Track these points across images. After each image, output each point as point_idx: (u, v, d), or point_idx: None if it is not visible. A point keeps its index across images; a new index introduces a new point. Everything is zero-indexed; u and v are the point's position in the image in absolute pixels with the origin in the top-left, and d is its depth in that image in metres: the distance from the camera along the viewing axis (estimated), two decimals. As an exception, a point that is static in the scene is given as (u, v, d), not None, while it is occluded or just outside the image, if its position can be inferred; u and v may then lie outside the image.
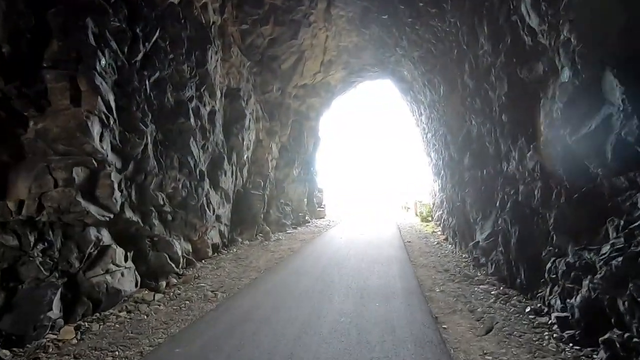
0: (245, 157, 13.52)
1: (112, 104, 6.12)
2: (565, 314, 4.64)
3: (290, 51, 15.11)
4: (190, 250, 9.21)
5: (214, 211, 10.15)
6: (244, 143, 13.12)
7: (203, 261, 9.73)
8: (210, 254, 10.31)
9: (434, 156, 16.91)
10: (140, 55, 6.94)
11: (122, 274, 6.35)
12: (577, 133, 4.16)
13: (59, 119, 5.28)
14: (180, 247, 8.50)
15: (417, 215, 23.14)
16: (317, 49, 16.80)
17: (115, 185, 6.18)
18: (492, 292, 6.60)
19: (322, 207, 23.90)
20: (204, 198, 9.43)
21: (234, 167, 12.45)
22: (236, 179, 13.16)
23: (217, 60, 10.53)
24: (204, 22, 9.71)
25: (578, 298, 4.33)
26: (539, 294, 5.73)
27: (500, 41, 6.33)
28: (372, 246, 12.00)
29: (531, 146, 5.52)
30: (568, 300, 4.58)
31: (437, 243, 12.60)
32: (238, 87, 12.58)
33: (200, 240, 9.62)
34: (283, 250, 11.72)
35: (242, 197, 13.85)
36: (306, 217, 20.10)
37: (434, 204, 19.57)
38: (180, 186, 8.37)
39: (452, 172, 11.58)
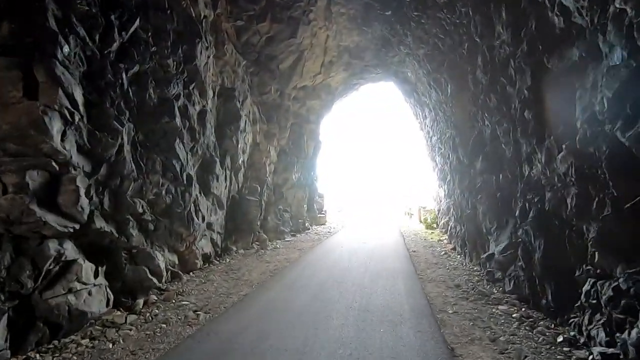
0: (240, 160, 12.72)
1: (79, 99, 5.32)
2: (613, 350, 3.77)
3: (288, 50, 14.37)
4: (176, 262, 8.37)
5: (203, 219, 9.32)
6: (239, 146, 12.33)
7: (191, 273, 8.90)
8: (199, 265, 9.47)
9: (440, 160, 16.07)
10: (115, 46, 6.17)
11: (90, 293, 5.52)
12: (632, 127, 3.32)
13: (8, 114, 4.48)
14: (163, 259, 7.67)
15: (421, 221, 22.25)
16: (317, 49, 16.07)
17: (82, 191, 5.37)
18: (514, 315, 5.72)
19: (323, 213, 23.05)
20: (192, 205, 8.61)
21: (227, 172, 11.64)
22: (230, 184, 12.35)
23: (209, 57, 9.76)
24: (193, 15, 8.95)
25: (633, 333, 3.46)
26: (573, 320, 4.85)
27: (521, 27, 5.52)
28: (375, 256, 11.13)
29: (563, 146, 4.68)
30: (618, 334, 3.70)
31: (445, 253, 11.71)
32: (233, 87, 11.81)
33: (188, 250, 8.79)
34: (279, 260, 10.86)
35: (237, 204, 13.03)
36: (306, 224, 19.24)
37: (439, 210, 18.70)
38: (163, 192, 7.55)
39: (461, 176, 10.73)
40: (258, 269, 9.67)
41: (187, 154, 8.54)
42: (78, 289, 5.30)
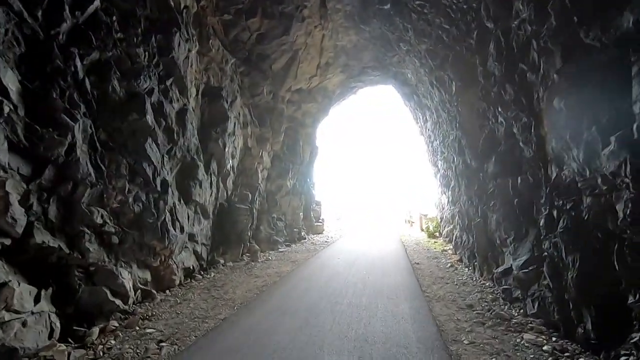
0: (229, 166, 11.71)
1: (12, 86, 4.34)
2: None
3: (281, 49, 13.47)
4: (149, 279, 7.31)
5: (182, 229, 8.28)
6: (227, 150, 11.34)
7: (167, 291, 7.84)
8: (179, 281, 8.41)
9: (442, 165, 15.08)
10: (65, 27, 5.20)
11: (24, 324, 4.46)
12: None
13: None
14: (130, 276, 6.62)
15: (422, 230, 21.18)
16: (313, 50, 15.19)
17: (14, 198, 4.35)
18: (545, 348, 4.66)
19: (320, 222, 21.98)
20: (168, 214, 7.57)
21: (213, 178, 10.63)
22: (218, 191, 11.33)
23: (190, 52, 8.81)
24: (172, 4, 8.03)
25: None
26: (623, 359, 3.80)
27: None
28: (375, 270, 10.06)
29: (611, 138, 3.68)
30: None
31: (451, 265, 10.64)
32: (220, 86, 10.86)
33: (164, 265, 7.73)
34: (269, 275, 9.79)
35: (225, 212, 11.99)
36: (302, 233, 18.17)
37: (442, 218, 17.66)
38: (131, 199, 6.52)
39: (468, 181, 9.72)
40: (244, 285, 8.60)
41: (162, 156, 7.53)
42: (6, 319, 4.24)
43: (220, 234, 11.65)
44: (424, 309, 6.49)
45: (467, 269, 10.02)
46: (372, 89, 22.96)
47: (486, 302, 6.85)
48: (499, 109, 6.65)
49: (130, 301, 6.54)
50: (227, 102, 11.08)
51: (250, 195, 13.27)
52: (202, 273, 9.92)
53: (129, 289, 6.42)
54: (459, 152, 10.22)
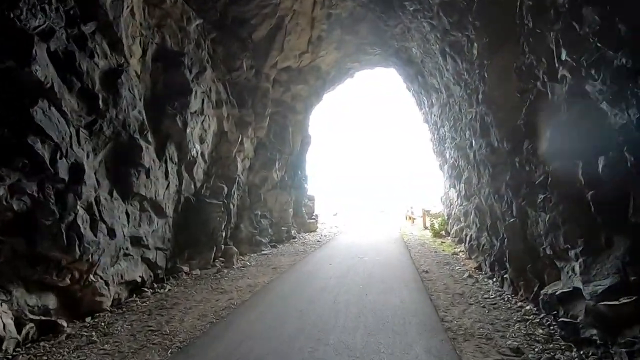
0: (195, 151, 9.43)
1: None
2: None
3: (263, 13, 11.14)
4: (52, 307, 5.07)
5: (113, 232, 6.01)
6: (192, 132, 9.06)
7: (89, 319, 5.62)
8: (111, 302, 6.18)
9: (452, 154, 12.83)
10: None
11: None
12: None
13: None
14: (11, 307, 4.37)
15: (425, 228, 18.98)
16: (302, 19, 12.86)
17: None
18: None
19: (314, 219, 19.75)
20: (82, 212, 5.31)
21: (171, 165, 8.36)
22: (180, 182, 9.07)
23: (129, -5, 6.51)
24: None
25: None
26: None
27: None
28: (374, 282, 7.84)
29: None
30: None
31: (469, 276, 8.41)
32: (181, 51, 8.55)
33: (81, 284, 5.48)
34: (240, 289, 7.58)
35: (193, 209, 9.74)
36: (292, 232, 15.93)
37: (449, 215, 15.44)
38: (7, 194, 4.26)
39: (494, 170, 7.47)
40: (201, 306, 6.38)
41: (74, 131, 5.25)
42: None
43: (185, 235, 9.41)
44: (448, 355, 4.26)
45: (490, 280, 7.80)
46: (371, 73, 20.69)
47: (538, 341, 4.62)
48: (564, 56, 4.38)
49: (11, 344, 4.30)
50: (190, 72, 8.77)
51: (225, 188, 11.01)
52: (156, 286, 7.72)
53: (3, 327, 4.18)
54: (482, 134, 7.95)
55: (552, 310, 5.12)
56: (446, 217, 15.83)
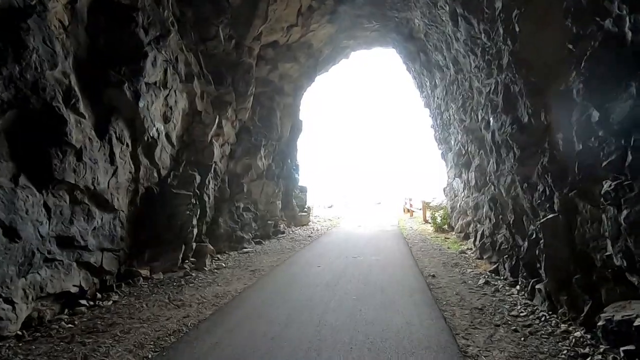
0: (155, 131, 7.76)
1: None
2: None
3: (241, -29, 9.39)
4: None
5: (15, 233, 4.38)
6: (150, 107, 7.38)
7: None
8: (18, 326, 4.60)
9: (460, 139, 11.27)
10: None
11: None
12: None
13: None
14: None
15: (426, 221, 17.48)
16: (290, -16, 11.11)
17: None
18: None
19: (306, 211, 18.17)
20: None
21: (122, 147, 6.70)
22: (137, 169, 7.42)
23: None
24: None
25: None
26: None
27: None
28: (371, 291, 6.28)
29: None
30: None
31: (485, 282, 6.85)
32: (132, 4, 6.81)
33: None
34: (203, 300, 6.01)
35: (156, 201, 8.11)
36: (280, 226, 14.37)
37: (453, 207, 13.93)
38: None
39: (524, 153, 5.88)
40: (144, 328, 4.81)
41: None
42: None
43: (146, 232, 7.80)
44: None
45: (513, 289, 6.27)
46: (368, 54, 19.02)
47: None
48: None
49: None
50: (145, 33, 7.05)
51: (199, 177, 9.37)
52: (100, 297, 6.13)
53: None
54: (505, 109, 6.34)
55: (621, 344, 3.59)
56: (449, 210, 14.31)
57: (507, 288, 6.41)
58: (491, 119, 7.24)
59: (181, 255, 8.42)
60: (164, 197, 8.33)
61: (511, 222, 6.68)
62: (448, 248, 10.84)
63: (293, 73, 14.38)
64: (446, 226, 14.33)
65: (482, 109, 8.11)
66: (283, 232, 14.11)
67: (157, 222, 8.08)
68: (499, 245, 7.72)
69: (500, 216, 7.58)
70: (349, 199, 36.74)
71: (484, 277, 7.19)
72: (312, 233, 14.99)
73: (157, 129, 7.73)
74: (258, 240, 12.07)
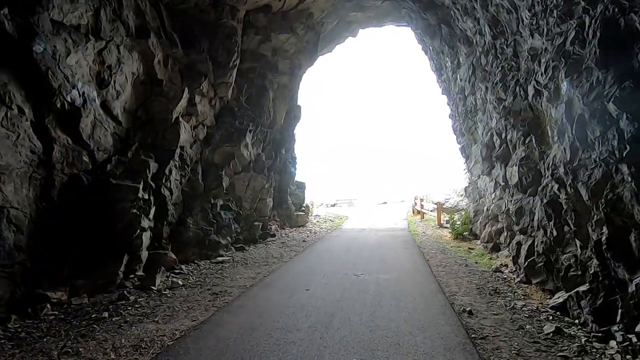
0: (77, 98, 5.45)
1: None
2: None
3: None
4: None
5: None
6: (61, 59, 5.07)
7: None
8: None
9: (494, 126, 8.82)
10: None
11: None
12: None
13: None
14: None
15: (440, 225, 15.03)
16: None
17: None
18: None
19: (303, 211, 15.83)
20: None
21: (8, 113, 4.40)
22: (48, 148, 5.12)
23: None
24: None
25: None
26: None
27: None
28: (380, 344, 3.91)
29: None
30: None
31: (553, 328, 4.43)
32: None
33: None
34: (114, 356, 3.70)
35: (87, 195, 5.82)
36: (270, 228, 12.06)
37: (477, 211, 11.49)
38: None
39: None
40: None
41: None
42: None
43: (69, 239, 5.52)
44: None
45: (609, 347, 3.86)
46: (378, 33, 16.63)
47: None
48: None
49: None
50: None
51: (154, 166, 7.07)
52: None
53: None
54: (602, 59, 3.92)
55: None
56: (472, 214, 11.86)
57: (595, 345, 4.00)
58: (565, 84, 4.80)
59: (122, 269, 6.14)
60: (100, 190, 6.03)
61: (602, 239, 4.25)
62: (476, 263, 8.42)
63: (289, 47, 12.01)
64: (467, 233, 11.88)
65: (541, 75, 5.67)
66: (273, 236, 11.79)
67: (86, 224, 5.80)
68: (565, 269, 5.30)
69: (571, 228, 5.15)
70: (354, 196, 34.34)
71: (547, 318, 4.80)
72: (308, 236, 12.66)
73: (82, 94, 5.41)
74: (240, 245, 9.76)
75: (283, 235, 12.70)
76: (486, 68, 9.11)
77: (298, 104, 14.22)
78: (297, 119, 14.21)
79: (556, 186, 5.49)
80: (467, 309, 5.16)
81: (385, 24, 14.73)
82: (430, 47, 13.61)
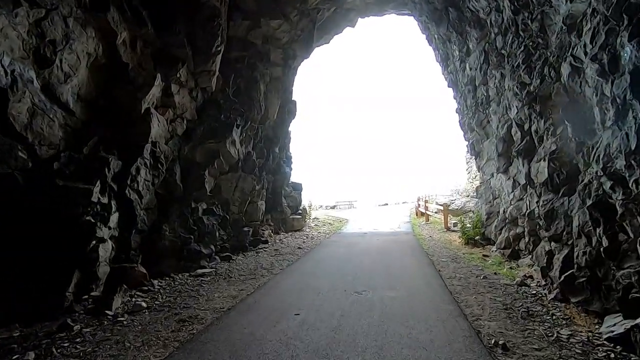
0: (5, 76, 4.30)
1: None
2: None
3: None
4: None
5: None
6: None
7: None
8: None
9: (514, 115, 7.66)
10: None
11: None
12: None
13: None
14: None
15: (447, 228, 13.85)
16: None
17: None
18: None
19: (300, 214, 14.65)
20: None
21: None
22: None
23: None
24: None
25: None
26: None
27: None
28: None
29: None
30: None
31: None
32: None
33: None
34: None
35: (24, 199, 4.67)
36: (262, 234, 10.90)
37: (490, 213, 10.32)
38: None
39: None
40: None
41: None
42: None
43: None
44: None
45: None
46: (379, 23, 15.47)
47: None
48: None
49: None
50: None
51: (116, 164, 5.91)
52: None
53: None
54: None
55: None
56: (484, 217, 10.68)
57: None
58: (628, 49, 3.63)
59: (71, 289, 4.97)
60: (42, 194, 4.87)
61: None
62: (495, 274, 7.24)
63: (282, 35, 10.88)
64: (479, 237, 10.70)
65: (583, 48, 4.52)
66: (266, 242, 10.62)
67: (25, 235, 4.64)
68: (623, 289, 4.13)
69: (630, 237, 3.99)
70: (354, 198, 33.18)
71: (608, 357, 3.64)
72: (304, 242, 11.49)
73: (10, 72, 4.26)
74: (226, 254, 8.60)
75: (277, 241, 11.54)
76: (503, 51, 7.98)
77: (293, 98, 13.08)
78: (292, 114, 13.07)
79: (608, 184, 4.32)
80: (500, 342, 3.99)
81: (386, 12, 13.62)
82: (436, 36, 12.48)
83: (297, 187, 14.93)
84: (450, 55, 12.01)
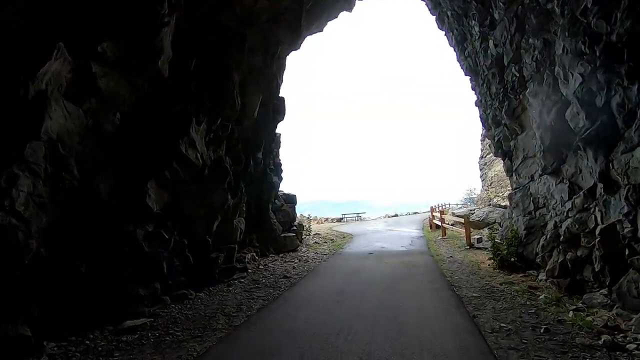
0: None
1: None
2: None
3: None
4: None
5: None
6: None
7: None
8: None
9: (575, 89, 5.25)
10: None
11: None
12: None
13: None
14: None
15: (471, 245, 11.30)
16: None
17: None
18: None
19: (294, 231, 12.28)
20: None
21: None
22: None
23: None
24: None
25: None
26: None
27: None
28: None
29: None
30: None
31: None
32: None
33: None
34: None
35: None
36: (245, 258, 8.59)
37: (532, 228, 7.82)
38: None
39: None
40: None
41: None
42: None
43: None
44: None
45: None
46: (382, 5, 13.26)
47: None
48: None
49: None
50: None
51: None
52: None
53: None
54: None
55: None
56: (522, 232, 8.16)
57: None
58: None
59: None
60: None
61: None
62: (559, 322, 4.78)
63: (262, 12, 8.76)
64: (513, 259, 8.16)
65: None
66: (244, 270, 8.31)
67: None
68: None
69: None
70: (362, 210, 30.70)
71: None
72: (294, 268, 9.14)
73: None
74: (181, 292, 6.33)
75: (260, 266, 9.20)
76: (549, 5, 5.66)
77: (280, 95, 10.90)
78: (279, 114, 10.87)
79: None
80: None
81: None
82: (449, 13, 10.24)
83: (291, 200, 12.63)
84: (468, 35, 9.74)
